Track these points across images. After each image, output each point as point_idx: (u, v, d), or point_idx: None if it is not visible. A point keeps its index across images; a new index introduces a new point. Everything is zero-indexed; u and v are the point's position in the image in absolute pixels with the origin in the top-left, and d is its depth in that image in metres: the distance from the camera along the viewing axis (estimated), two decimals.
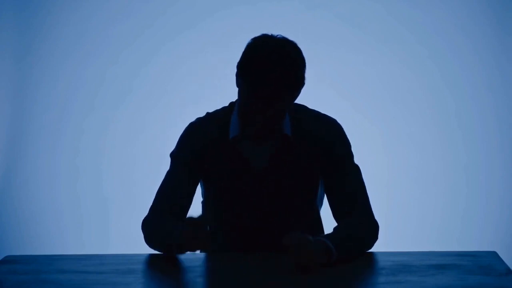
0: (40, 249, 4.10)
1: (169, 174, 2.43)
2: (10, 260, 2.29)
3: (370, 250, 2.31)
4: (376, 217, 2.37)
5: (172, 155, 2.45)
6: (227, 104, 2.45)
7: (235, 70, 2.28)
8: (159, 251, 2.29)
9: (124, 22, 4.21)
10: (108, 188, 4.25)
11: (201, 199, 2.54)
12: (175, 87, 4.22)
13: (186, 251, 2.14)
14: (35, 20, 4.22)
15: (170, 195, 2.39)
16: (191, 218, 2.10)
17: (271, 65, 2.19)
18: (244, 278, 2.08)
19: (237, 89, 2.30)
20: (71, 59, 4.23)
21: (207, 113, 2.46)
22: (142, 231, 2.36)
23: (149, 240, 2.34)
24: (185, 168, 2.40)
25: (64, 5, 4.22)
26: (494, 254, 2.27)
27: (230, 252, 2.41)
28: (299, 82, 2.24)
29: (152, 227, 2.34)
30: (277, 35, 2.26)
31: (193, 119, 2.46)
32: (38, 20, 4.22)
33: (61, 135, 4.25)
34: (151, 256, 2.32)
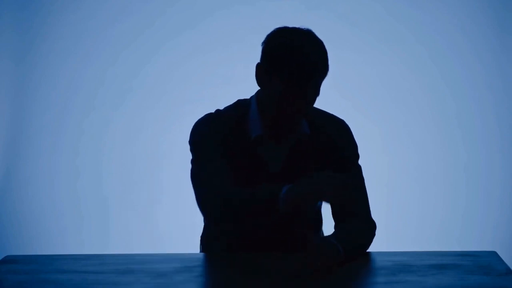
0: (40, 249, 4.10)
1: (202, 159, 2.30)
2: (10, 260, 2.29)
3: (370, 250, 2.32)
4: (376, 217, 2.37)
5: (195, 143, 2.33)
6: (227, 104, 2.43)
7: (254, 69, 2.24)
8: (245, 215, 2.19)
9: (124, 22, 4.22)
10: (108, 188, 4.25)
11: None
12: (175, 87, 4.22)
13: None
14: (35, 20, 4.22)
15: (221, 175, 2.26)
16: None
17: (310, 53, 2.18)
18: (244, 278, 2.08)
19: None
20: (71, 59, 4.23)
21: (218, 110, 2.40)
22: (220, 205, 2.22)
23: (235, 207, 2.20)
24: (217, 152, 2.30)
25: (64, 5, 4.22)
26: (494, 254, 2.27)
27: (230, 253, 2.41)
28: (328, 68, 2.24)
29: (233, 195, 2.21)
30: (294, 27, 2.25)
31: (193, 119, 2.43)
32: (38, 20, 4.22)
33: (61, 135, 4.25)
34: (151, 256, 2.32)
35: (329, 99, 4.02)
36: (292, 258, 2.09)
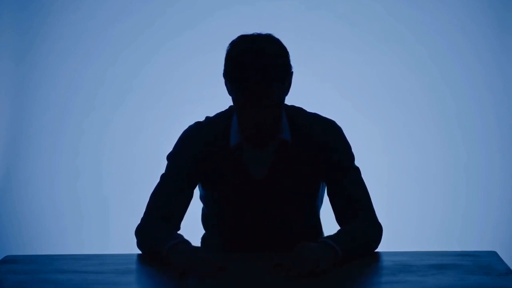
0: (40, 249, 4.10)
1: (165, 178, 2.39)
2: (10, 260, 2.29)
3: None
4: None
5: (170, 157, 2.41)
6: (226, 106, 2.44)
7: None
8: (151, 259, 2.25)
9: (124, 22, 4.22)
10: (108, 188, 4.25)
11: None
12: (175, 87, 4.22)
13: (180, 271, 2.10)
14: (35, 20, 4.22)
15: (165, 202, 2.35)
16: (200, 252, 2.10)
17: (251, 59, 2.17)
18: (243, 278, 2.08)
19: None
20: (71, 59, 4.23)
21: (207, 118, 2.43)
22: (136, 238, 2.34)
23: (142, 248, 2.31)
24: (182, 173, 2.37)
25: (64, 5, 4.22)
26: (494, 254, 2.27)
27: (229, 252, 2.41)
28: (284, 69, 2.21)
29: (145, 235, 2.30)
30: (253, 33, 2.25)
31: (193, 119, 2.45)
32: (38, 20, 4.22)
33: (61, 135, 4.25)
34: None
35: (329, 99, 4.03)
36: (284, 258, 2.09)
